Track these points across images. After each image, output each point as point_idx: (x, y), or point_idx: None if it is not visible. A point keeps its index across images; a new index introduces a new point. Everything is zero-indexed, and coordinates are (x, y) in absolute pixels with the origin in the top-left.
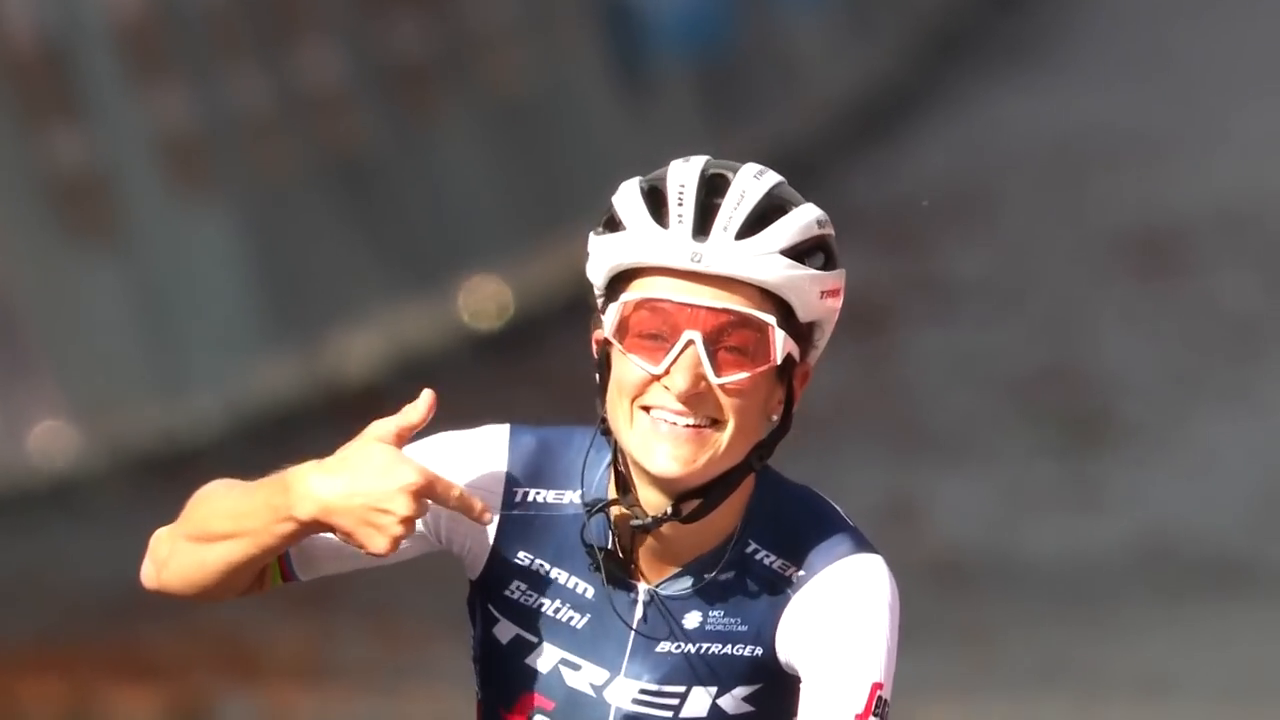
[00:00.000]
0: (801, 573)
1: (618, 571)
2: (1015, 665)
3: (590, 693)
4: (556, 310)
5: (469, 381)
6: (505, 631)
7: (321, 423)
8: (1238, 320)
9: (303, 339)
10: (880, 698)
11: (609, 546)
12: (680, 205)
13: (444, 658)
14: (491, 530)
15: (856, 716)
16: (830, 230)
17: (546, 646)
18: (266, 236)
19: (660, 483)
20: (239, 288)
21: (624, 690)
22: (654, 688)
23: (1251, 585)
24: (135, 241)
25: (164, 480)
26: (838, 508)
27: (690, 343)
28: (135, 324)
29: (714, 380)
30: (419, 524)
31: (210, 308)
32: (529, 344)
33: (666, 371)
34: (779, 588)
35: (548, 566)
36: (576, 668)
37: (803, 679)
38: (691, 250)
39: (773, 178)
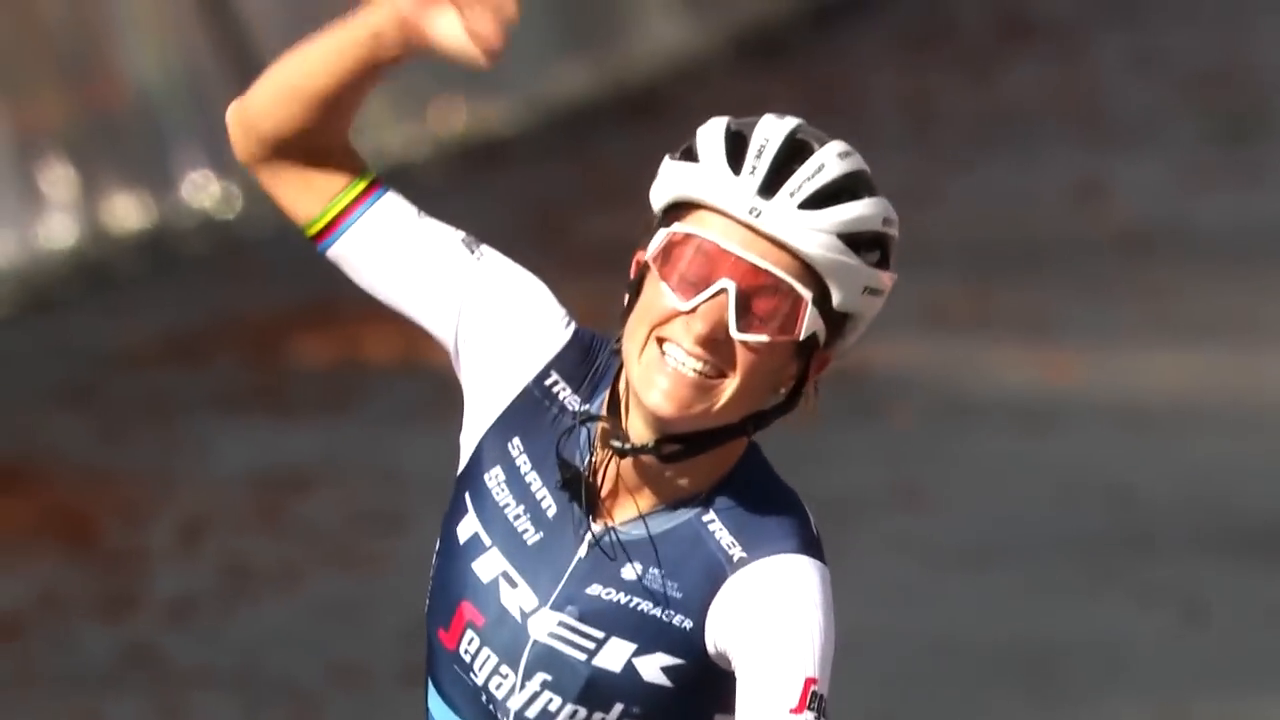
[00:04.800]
0: (744, 555)
1: (581, 494)
2: (1187, 318)
3: (517, 616)
4: (819, 19)
5: (737, 82)
6: (467, 528)
7: (609, 119)
8: None
9: (594, 46)
10: (815, 692)
11: (583, 466)
12: (758, 157)
13: None
14: (513, 389)
15: (791, 710)
16: (894, 231)
17: (495, 555)
18: None
19: (650, 417)
20: (542, 0)
21: (546, 621)
22: (574, 624)
23: None
24: None
25: (476, 166)
26: (809, 513)
27: (723, 291)
28: None
29: (735, 334)
30: (453, 305)
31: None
32: (789, 51)
33: (693, 311)
34: (721, 566)
35: (528, 465)
36: (514, 585)
37: (737, 674)
38: (753, 204)
39: (856, 162)
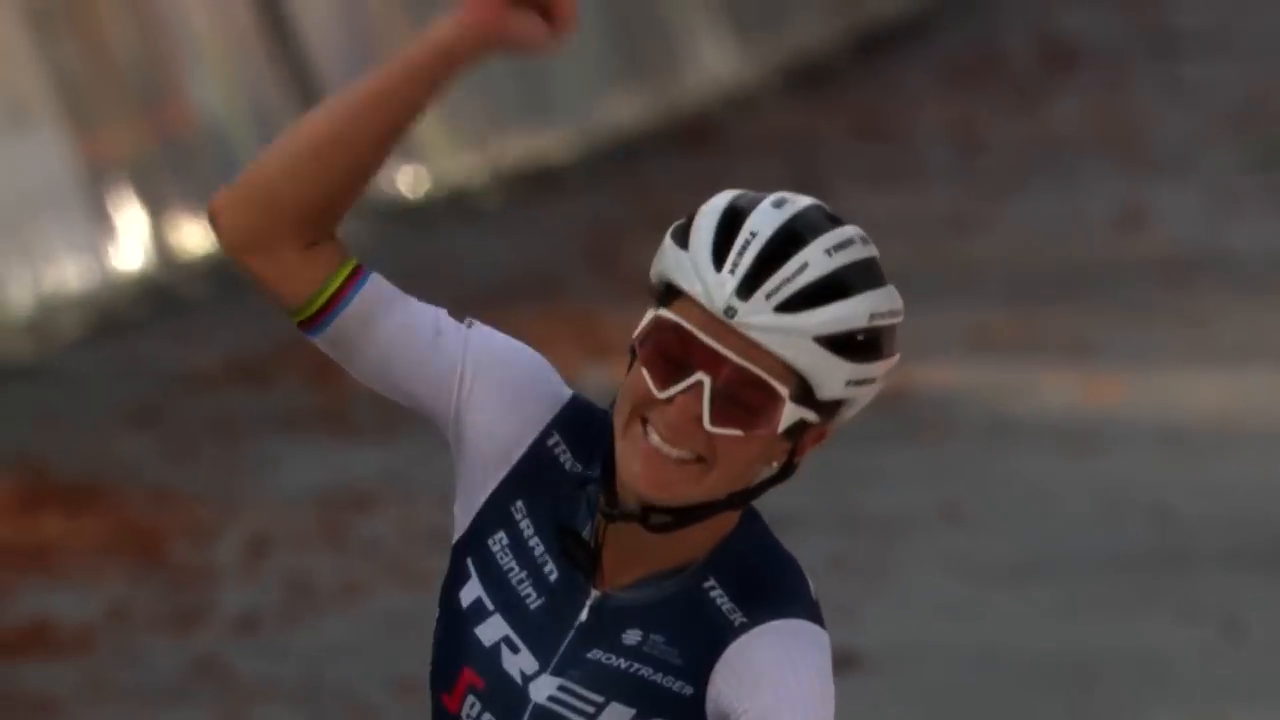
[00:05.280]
0: (744, 620)
1: (582, 558)
2: (1225, 341)
3: (518, 680)
4: (863, 52)
5: (785, 111)
6: (470, 593)
7: (660, 147)
8: None
9: (646, 76)
10: None
11: (584, 531)
12: (741, 253)
13: None
14: (515, 455)
15: None
16: (888, 321)
17: (497, 619)
18: None
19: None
20: (595, 32)
21: (546, 686)
22: (575, 688)
23: None
24: None
25: (532, 194)
26: (807, 579)
27: (699, 384)
28: (510, 65)
29: (709, 428)
30: (446, 380)
31: (571, 48)
32: (837, 80)
33: (669, 400)
34: (722, 631)
35: (531, 529)
36: (515, 650)
37: None
38: (729, 303)
39: (849, 256)
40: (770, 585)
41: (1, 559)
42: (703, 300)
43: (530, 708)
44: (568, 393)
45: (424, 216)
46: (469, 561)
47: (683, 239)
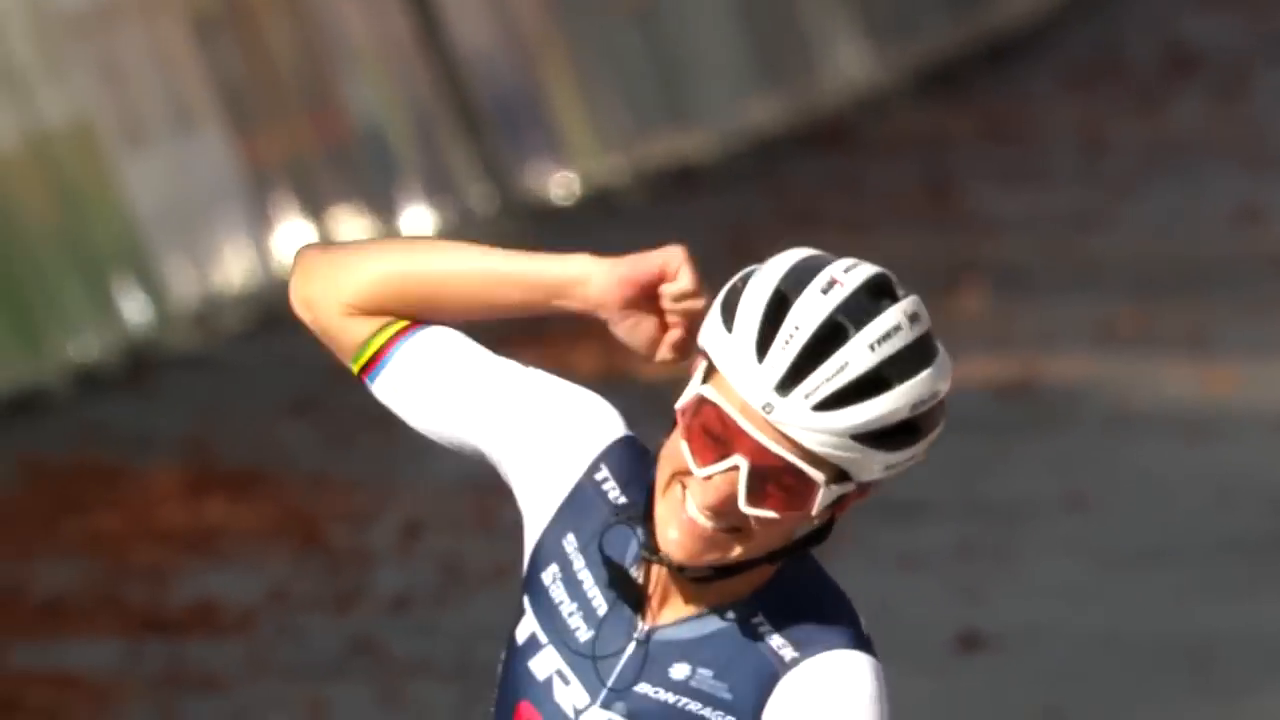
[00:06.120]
0: (795, 655)
1: (630, 594)
2: None
3: (570, 714)
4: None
5: (917, 113)
6: (525, 629)
7: (797, 148)
8: None
9: (784, 80)
10: None
11: (631, 565)
12: (784, 347)
13: None
14: (565, 488)
15: None
16: (930, 405)
17: (550, 652)
18: None
19: None
20: (735, 37)
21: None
22: None
23: None
24: (655, 6)
25: (674, 193)
26: (856, 611)
27: (735, 467)
28: (654, 68)
29: (744, 508)
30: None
31: (711, 54)
32: (966, 84)
33: (708, 478)
34: (771, 667)
35: (581, 563)
36: (566, 683)
37: None
38: (768, 399)
39: (893, 346)
40: (820, 619)
41: (169, 542)
42: (740, 391)
43: None
44: (620, 429)
45: (571, 216)
46: (525, 598)
47: (729, 315)
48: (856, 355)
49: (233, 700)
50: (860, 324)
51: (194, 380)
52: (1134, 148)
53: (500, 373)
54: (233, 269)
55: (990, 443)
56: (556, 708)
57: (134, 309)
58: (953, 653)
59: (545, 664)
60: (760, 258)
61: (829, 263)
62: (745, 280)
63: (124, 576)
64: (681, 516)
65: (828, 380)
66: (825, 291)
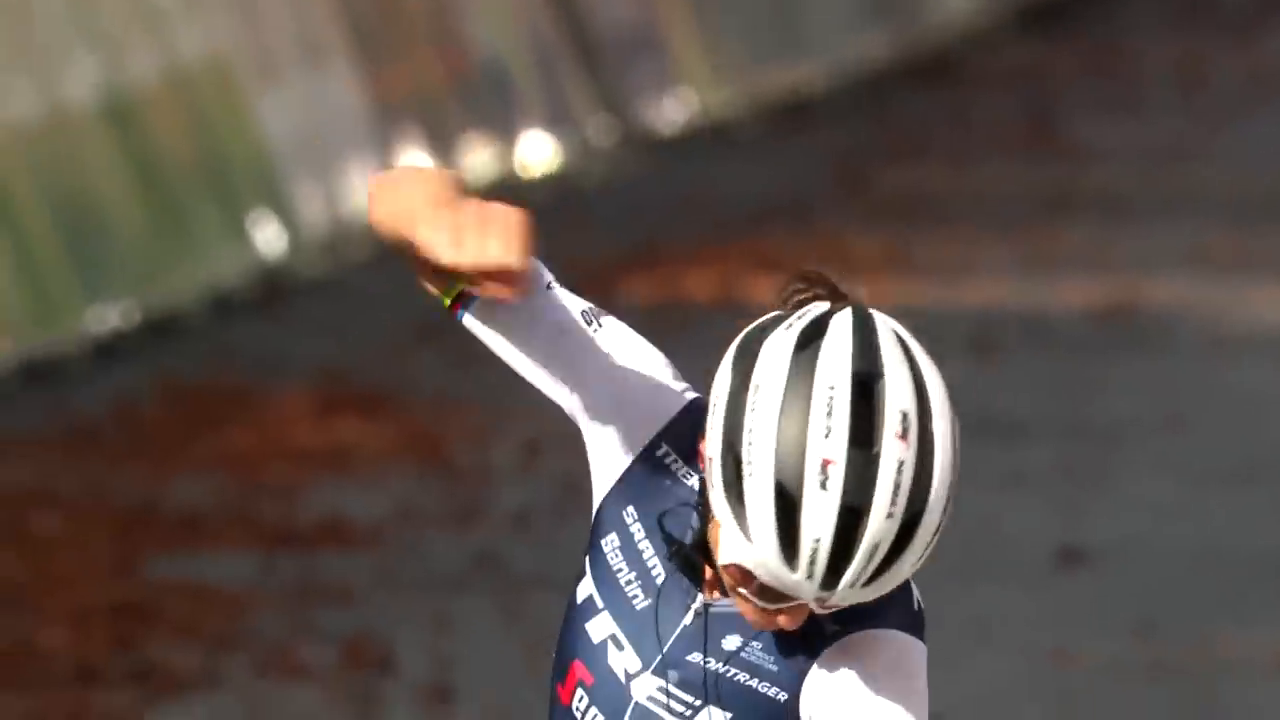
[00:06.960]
0: (836, 628)
1: (689, 566)
2: None
3: (621, 678)
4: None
5: (1020, 48)
6: (584, 590)
7: (904, 82)
8: None
9: (892, 17)
10: None
11: (689, 539)
12: (813, 561)
13: (998, 258)
14: (626, 459)
15: None
16: (952, 506)
17: (606, 617)
18: None
19: None
20: None
21: (647, 685)
22: (673, 689)
23: None
24: None
25: (786, 125)
26: (913, 589)
27: (804, 605)
28: (768, 4)
29: (819, 610)
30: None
31: None
32: (1069, 19)
33: (778, 611)
34: (818, 639)
35: (641, 533)
36: (621, 648)
37: None
38: (818, 595)
39: (907, 492)
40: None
41: (301, 461)
42: (789, 592)
43: (631, 706)
44: (684, 398)
45: (685, 146)
46: (586, 560)
47: (739, 511)
48: (881, 531)
49: (360, 612)
50: (868, 494)
51: (323, 305)
52: (1231, 82)
53: (580, 332)
54: (361, 198)
55: (1090, 365)
56: (609, 670)
57: (267, 237)
58: (1053, 568)
59: (600, 628)
60: (870, 187)
61: (807, 393)
62: (734, 453)
63: (257, 493)
64: (747, 608)
65: (866, 565)
66: (824, 486)
